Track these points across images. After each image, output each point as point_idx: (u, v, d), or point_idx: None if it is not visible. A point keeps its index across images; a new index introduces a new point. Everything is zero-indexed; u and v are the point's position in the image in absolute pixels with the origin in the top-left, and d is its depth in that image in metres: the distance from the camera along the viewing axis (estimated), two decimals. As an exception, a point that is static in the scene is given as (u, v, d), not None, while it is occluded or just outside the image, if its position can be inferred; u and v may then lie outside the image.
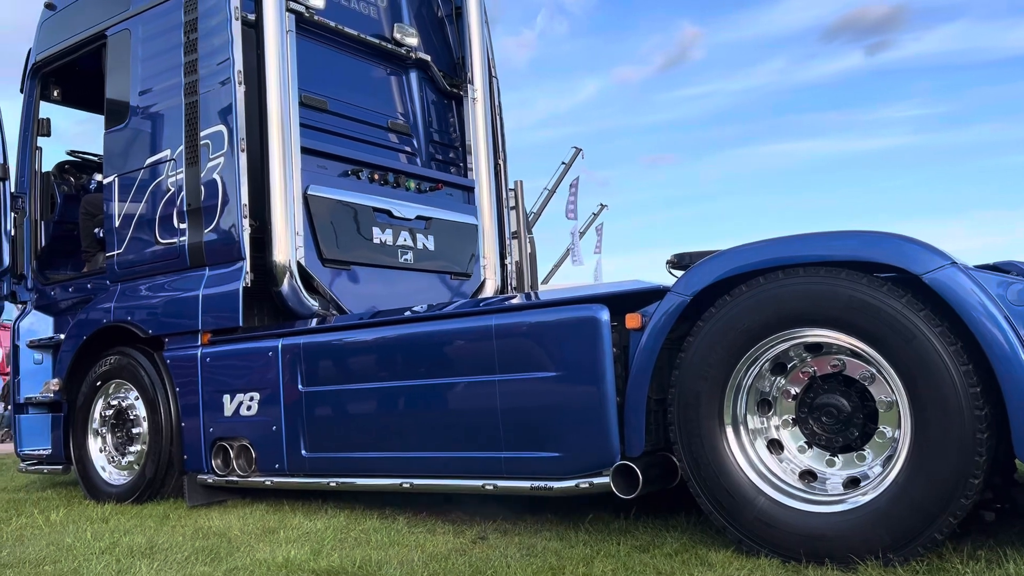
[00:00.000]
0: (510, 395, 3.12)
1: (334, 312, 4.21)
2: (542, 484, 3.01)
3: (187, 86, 4.22)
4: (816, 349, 2.68)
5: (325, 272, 4.30)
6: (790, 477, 2.70)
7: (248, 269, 4.01)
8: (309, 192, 4.22)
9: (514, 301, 3.39)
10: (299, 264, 4.16)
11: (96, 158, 5.48)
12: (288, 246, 4.07)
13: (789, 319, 2.58)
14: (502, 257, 5.41)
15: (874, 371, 2.56)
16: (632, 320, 2.93)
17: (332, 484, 3.62)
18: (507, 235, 5.52)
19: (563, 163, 24.58)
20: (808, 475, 2.71)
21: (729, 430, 2.74)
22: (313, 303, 4.19)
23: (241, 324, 4.02)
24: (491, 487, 3.15)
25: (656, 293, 2.94)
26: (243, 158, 4.06)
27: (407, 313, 3.65)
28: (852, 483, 2.61)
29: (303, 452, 3.74)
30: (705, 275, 2.76)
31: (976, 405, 2.31)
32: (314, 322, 3.97)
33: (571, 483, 2.96)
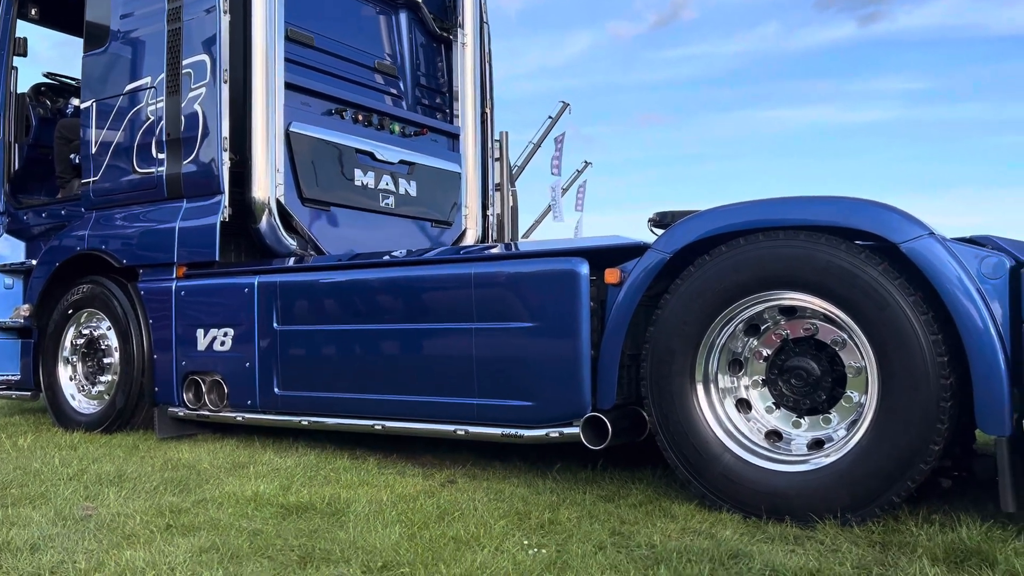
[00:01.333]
0: (486, 343, 3.12)
1: (312, 252, 4.17)
2: (513, 432, 3.03)
3: (170, 12, 4.12)
4: (791, 312, 2.68)
5: (304, 211, 4.24)
6: (756, 436, 2.72)
7: (226, 203, 3.95)
8: (291, 129, 4.16)
9: (494, 251, 3.37)
10: (278, 202, 4.10)
11: (74, 82, 5.35)
12: (268, 182, 4.02)
13: (766, 281, 2.58)
14: (484, 208, 5.35)
15: (846, 337, 2.56)
16: (611, 275, 2.92)
17: (303, 423, 3.63)
18: (490, 186, 5.45)
19: (550, 117, 24.16)
20: (774, 435, 2.73)
21: (700, 388, 2.75)
22: (291, 242, 4.14)
23: (217, 259, 3.97)
24: (462, 432, 3.16)
25: (636, 249, 2.93)
26: (225, 90, 3.97)
27: (386, 257, 3.61)
28: (816, 444, 2.64)
29: (276, 390, 3.73)
30: (686, 233, 2.75)
31: (942, 374, 2.32)
32: (291, 261, 3.94)
33: (541, 432, 2.99)
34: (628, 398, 2.96)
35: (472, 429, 3.14)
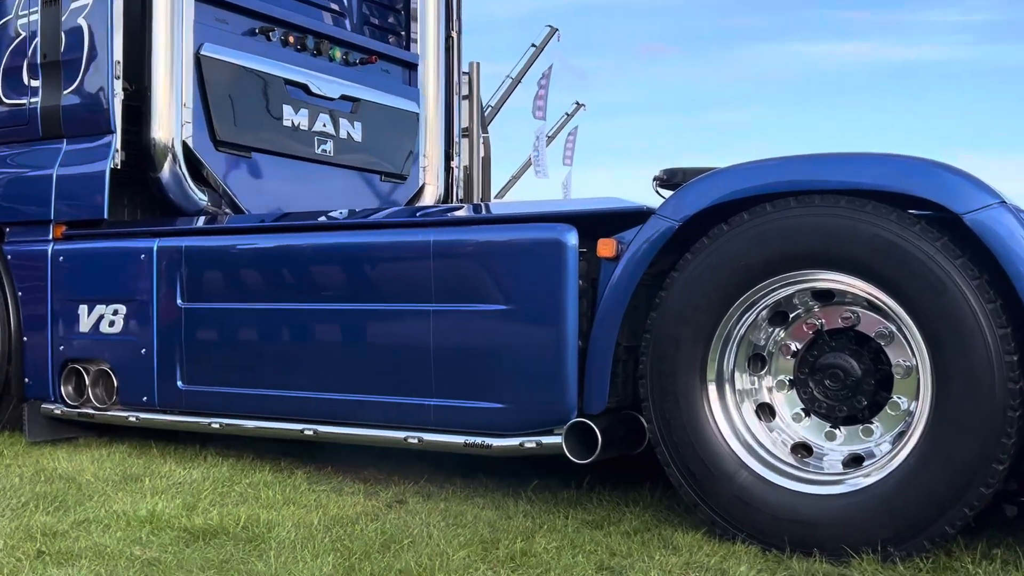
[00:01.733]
0: (447, 329, 3.13)
1: (228, 211, 4.17)
2: (478, 440, 3.07)
3: None
4: (826, 297, 2.71)
5: (219, 158, 4.21)
6: (780, 450, 2.75)
7: (118, 146, 3.91)
8: (202, 53, 4.12)
9: (459, 213, 3.43)
10: (185, 145, 4.06)
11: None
12: (172, 121, 3.98)
13: (797, 258, 2.61)
14: (448, 159, 5.33)
15: (893, 329, 2.60)
16: (605, 247, 2.94)
17: (215, 425, 3.64)
18: (456, 131, 5.43)
19: (533, 45, 23.60)
20: (802, 449, 2.76)
21: (712, 388, 2.77)
22: (201, 196, 4.12)
23: (106, 216, 3.93)
24: (415, 440, 3.20)
25: (637, 215, 2.93)
26: (118, 1, 3.91)
27: (323, 219, 3.64)
28: (854, 461, 2.67)
29: (179, 384, 3.72)
30: (700, 197, 2.77)
31: (1011, 377, 2.34)
32: (202, 221, 3.95)
33: (514, 441, 3.01)
34: (623, 401, 2.99)
35: (428, 437, 3.17)
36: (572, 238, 2.94)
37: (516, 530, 2.79)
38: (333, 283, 3.40)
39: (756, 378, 2.83)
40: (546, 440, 2.97)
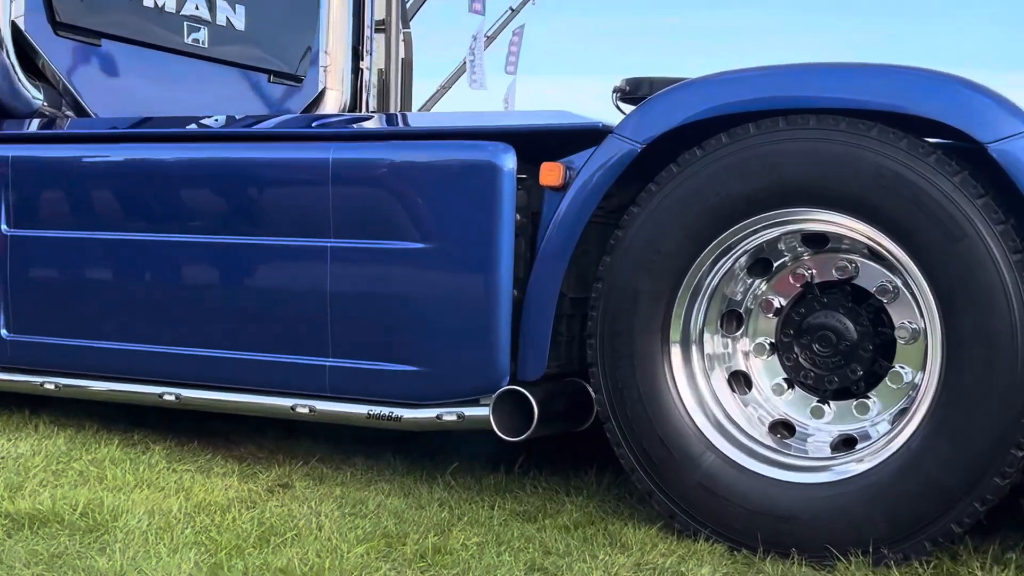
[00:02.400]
0: (348, 272, 3.13)
1: (70, 113, 4.10)
2: (385, 411, 3.07)
3: None
4: (819, 242, 2.74)
5: (59, 46, 4.08)
6: (756, 429, 2.80)
7: (-77, 26, 3.92)
8: (36, -95, 4.06)
9: (368, 126, 3.41)
10: (15, 27, 3.92)
11: None
12: (-4, -6, 3.93)
13: (785, 193, 2.63)
14: (356, 58, 5.28)
15: (899, 283, 2.64)
16: (549, 173, 2.94)
17: (48, 386, 3.61)
18: (368, 24, 5.36)
19: (470, -88, 23.25)
20: (782, 427, 2.80)
21: (676, 351, 2.81)
22: (36, 94, 4.01)
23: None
24: (305, 409, 3.20)
25: (590, 135, 2.94)
26: None
27: (192, 127, 3.62)
28: (845, 444, 2.71)
29: (2, 333, 3.68)
30: (668, 114, 2.78)
31: (1037, 345, 2.42)
32: (34, 125, 3.91)
33: (430, 413, 3.03)
34: (567, 366, 3.01)
35: (321, 406, 3.18)
36: (508, 161, 2.92)
37: (429, 522, 2.81)
38: (203, 210, 3.37)
39: (730, 340, 2.86)
40: (470, 412, 2.98)
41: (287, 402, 3.22)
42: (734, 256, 2.78)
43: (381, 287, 3.10)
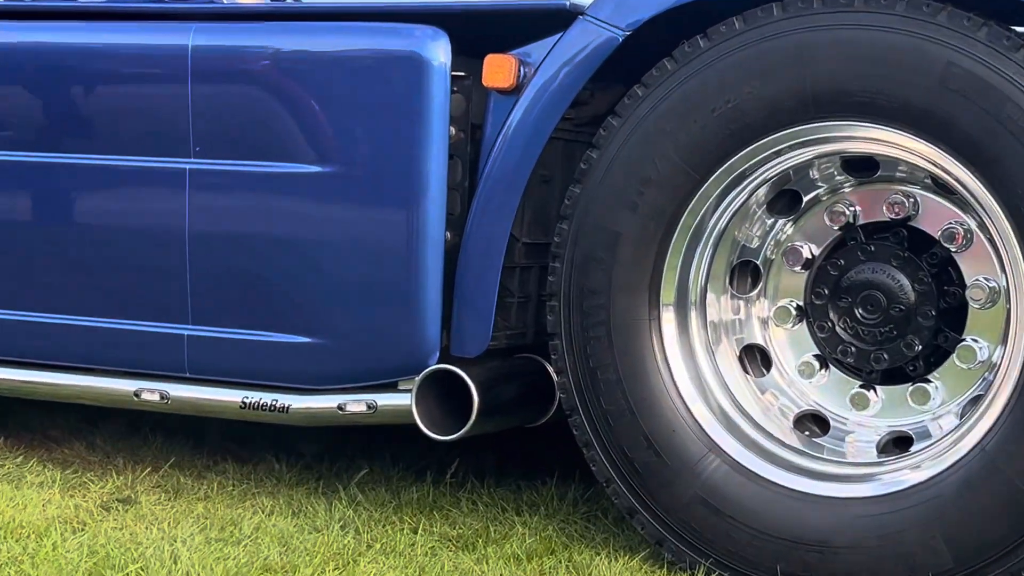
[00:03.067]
0: (214, 206, 3.10)
1: None
2: (266, 399, 3.04)
3: None
4: (864, 169, 2.70)
5: None
6: (776, 423, 2.76)
7: None
8: None
9: (242, 1, 3.31)
10: None
11: None
12: None
13: (820, 99, 2.56)
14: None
15: (972, 226, 2.61)
16: (497, 70, 2.89)
17: None
18: None
19: None
20: (812, 422, 2.77)
21: (669, 318, 2.76)
22: None
23: None
24: (154, 396, 3.15)
25: (553, 17, 2.87)
26: None
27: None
28: (897, 445, 2.69)
29: None
30: (661, -11, 2.77)
31: None
32: None
33: (329, 401, 3.01)
34: (519, 337, 3.02)
35: (178, 391, 3.15)
36: (439, 51, 2.85)
37: (328, 551, 2.76)
38: (11, 114, 3.31)
39: (743, 303, 2.83)
40: (384, 400, 2.95)
41: (129, 385, 3.18)
42: (750, 187, 2.72)
43: (261, 227, 3.05)
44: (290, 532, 2.90)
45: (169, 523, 2.93)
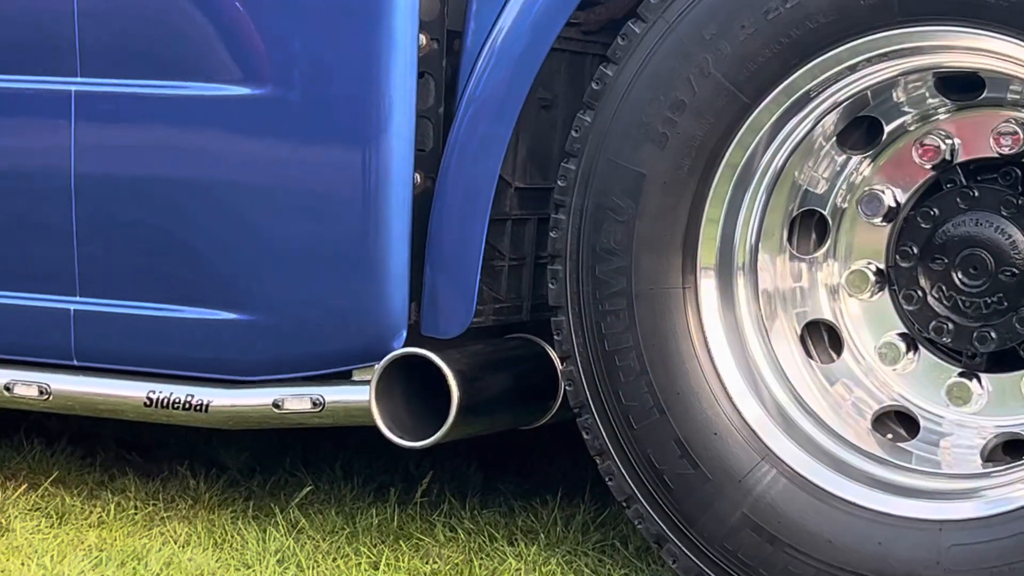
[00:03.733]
0: (110, 142, 3.10)
1: None
2: (179, 394, 3.03)
3: None
4: (967, 89, 2.65)
5: None
6: (850, 423, 2.72)
7: None
8: None
9: None
10: None
11: None
12: None
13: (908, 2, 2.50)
14: None
15: None
16: None
17: None
18: None
19: None
20: (896, 421, 2.74)
21: (709, 286, 2.72)
22: None
23: None
24: (30, 390, 3.15)
25: None
26: None
27: None
28: (1007, 450, 2.65)
29: None
30: None
31: None
32: None
33: (262, 396, 3.00)
34: (512, 311, 3.02)
35: (62, 383, 3.14)
36: None
37: None
38: None
39: (805, 266, 2.79)
40: (334, 395, 2.94)
41: (-6, 377, 3.15)
42: (815, 113, 2.67)
43: (170, 168, 3.03)
44: (211, 569, 2.87)
45: (52, 557, 2.89)
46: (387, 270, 2.87)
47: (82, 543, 3.03)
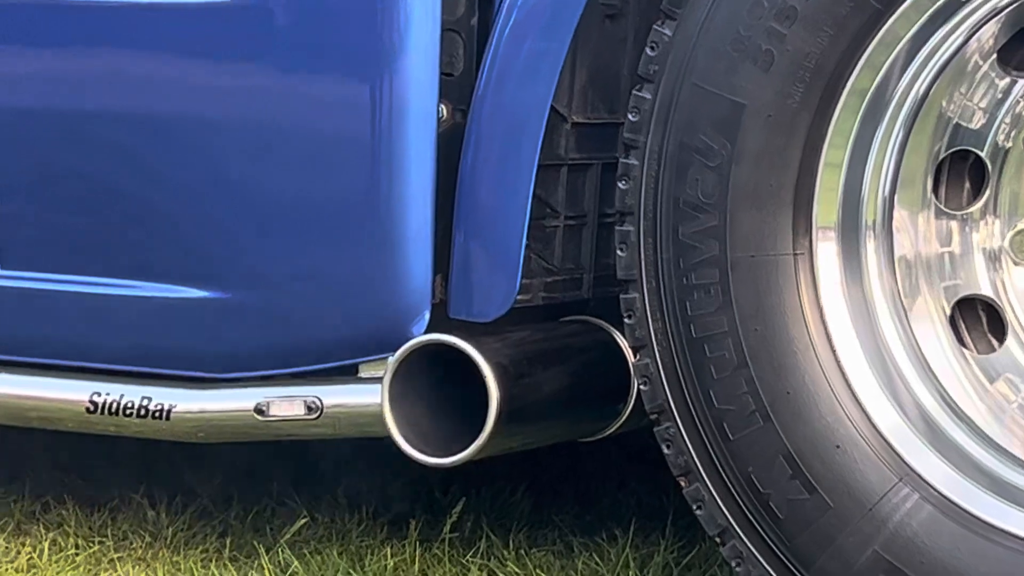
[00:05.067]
0: (37, 62, 3.22)
1: None
2: (133, 395, 3.08)
3: None
4: None
5: None
6: (1015, 432, 2.72)
7: None
8: None
9: None
10: None
11: None
12: None
13: None
14: None
15: None
16: None
17: None
18: None
19: None
20: None
21: (829, 250, 2.74)
22: None
23: None
24: None
25: None
26: None
27: None
28: None
29: None
30: None
31: None
32: None
33: (240, 400, 3.04)
34: (567, 285, 3.06)
35: None
36: None
37: None
38: None
39: (956, 225, 2.78)
40: (336, 397, 2.98)
41: None
42: (968, 22, 2.65)
43: (121, 98, 3.10)
44: None
45: None
46: (403, 232, 2.90)
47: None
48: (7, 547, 3.38)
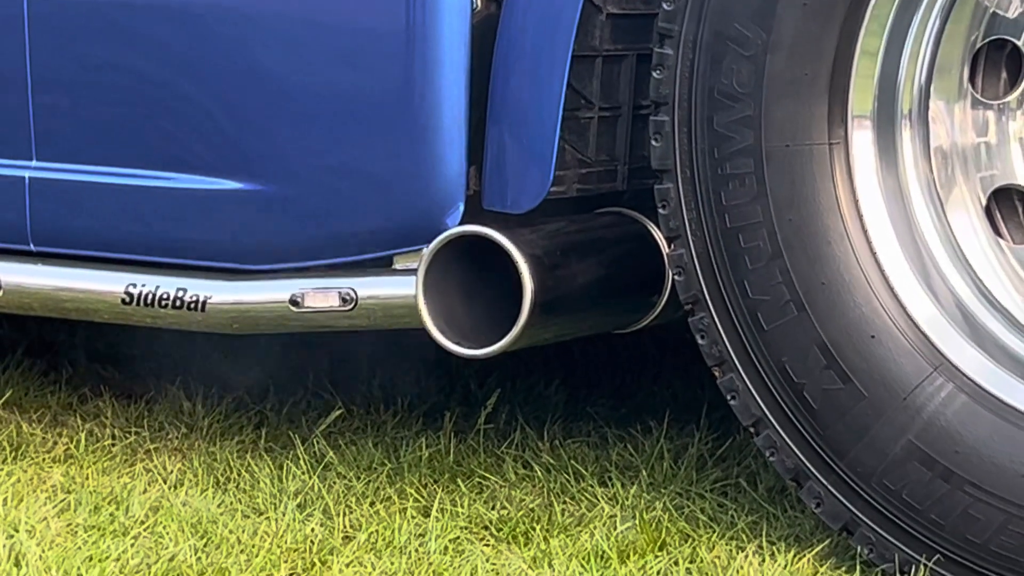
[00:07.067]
0: None
1: None
2: (169, 287, 3.10)
3: None
4: None
5: None
6: None
7: None
8: None
9: None
10: None
11: None
12: None
13: None
14: None
15: None
16: None
17: None
18: None
19: None
20: None
21: (864, 140, 2.73)
22: None
23: None
24: None
25: None
26: None
27: None
28: None
29: None
30: None
31: None
32: None
33: (274, 292, 3.06)
34: (600, 177, 3.03)
35: (14, 275, 3.25)
36: None
37: (276, 546, 2.77)
38: None
39: (993, 115, 2.77)
40: (370, 289, 2.99)
41: None
42: None
43: None
44: (212, 515, 2.88)
45: (5, 500, 2.93)
46: (438, 123, 2.88)
47: (44, 482, 3.09)
48: (44, 438, 3.40)
